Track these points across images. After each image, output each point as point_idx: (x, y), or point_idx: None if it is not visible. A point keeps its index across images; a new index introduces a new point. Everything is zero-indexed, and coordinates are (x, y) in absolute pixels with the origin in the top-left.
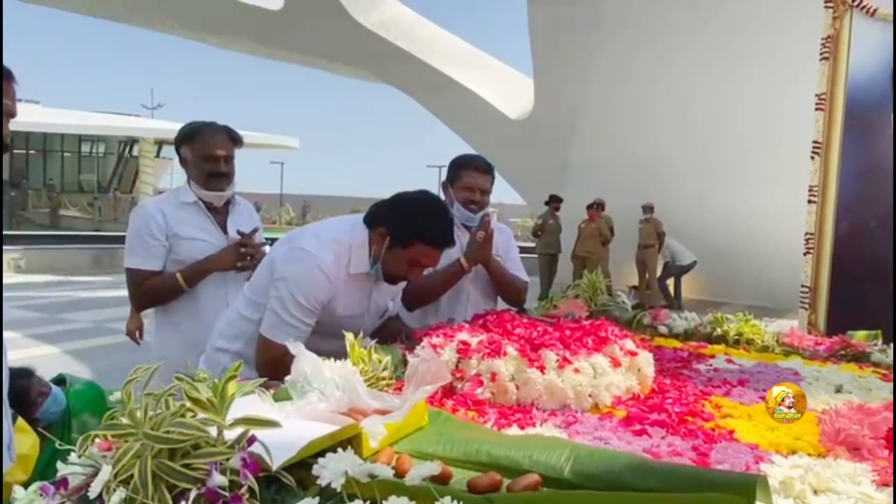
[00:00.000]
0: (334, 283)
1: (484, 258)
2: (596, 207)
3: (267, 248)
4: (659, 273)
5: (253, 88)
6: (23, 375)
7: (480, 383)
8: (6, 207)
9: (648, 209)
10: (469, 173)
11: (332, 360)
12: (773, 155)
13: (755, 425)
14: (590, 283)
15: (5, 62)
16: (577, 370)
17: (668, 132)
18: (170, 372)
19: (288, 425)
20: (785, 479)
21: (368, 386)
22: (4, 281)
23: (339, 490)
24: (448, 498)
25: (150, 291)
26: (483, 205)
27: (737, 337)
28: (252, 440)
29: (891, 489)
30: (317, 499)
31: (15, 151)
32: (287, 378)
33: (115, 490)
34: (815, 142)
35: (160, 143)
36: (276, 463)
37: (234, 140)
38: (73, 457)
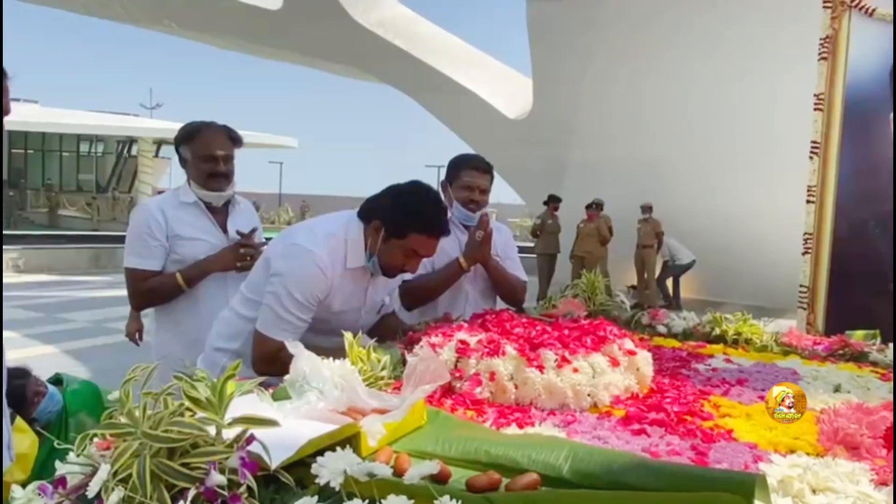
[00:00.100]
0: (330, 278)
1: (483, 258)
2: (595, 207)
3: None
4: (658, 273)
5: (252, 88)
6: (19, 375)
7: (479, 382)
8: (4, 207)
9: (647, 209)
10: (468, 173)
11: (331, 358)
12: (771, 155)
13: (754, 425)
14: (589, 282)
15: (5, 62)
16: (575, 369)
17: (667, 132)
18: (169, 371)
19: (286, 424)
20: (783, 479)
21: (367, 385)
22: (3, 281)
23: (337, 489)
24: (447, 497)
25: (150, 291)
26: (482, 204)
27: (735, 336)
28: (251, 439)
29: (889, 488)
30: (315, 498)
31: (13, 151)
32: (286, 377)
33: (113, 489)
34: (813, 142)
35: (159, 143)
36: (274, 462)
37: (234, 140)
38: (71, 456)
